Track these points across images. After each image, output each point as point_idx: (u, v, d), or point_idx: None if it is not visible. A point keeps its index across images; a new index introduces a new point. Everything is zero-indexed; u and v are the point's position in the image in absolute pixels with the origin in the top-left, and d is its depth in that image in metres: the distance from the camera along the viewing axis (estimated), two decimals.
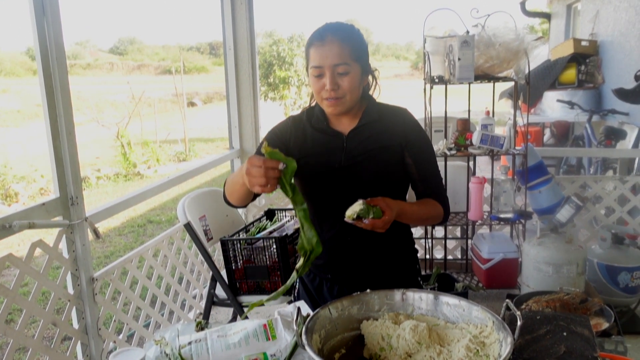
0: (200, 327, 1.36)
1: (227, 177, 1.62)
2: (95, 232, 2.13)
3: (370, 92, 1.64)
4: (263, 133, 4.32)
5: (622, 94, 4.61)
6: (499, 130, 3.34)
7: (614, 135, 4.79)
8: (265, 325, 1.24)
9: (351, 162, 1.55)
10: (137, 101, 10.96)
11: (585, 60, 6.11)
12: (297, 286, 1.77)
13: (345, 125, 1.59)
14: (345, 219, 1.32)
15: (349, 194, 1.41)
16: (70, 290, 2.11)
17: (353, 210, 1.31)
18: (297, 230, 2.43)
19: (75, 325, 2.16)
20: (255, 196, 1.57)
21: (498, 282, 3.18)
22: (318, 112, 1.60)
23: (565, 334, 1.11)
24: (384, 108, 1.62)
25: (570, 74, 6.08)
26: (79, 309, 2.14)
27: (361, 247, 1.58)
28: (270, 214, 2.76)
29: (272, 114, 12.91)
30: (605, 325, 1.79)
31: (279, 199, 3.87)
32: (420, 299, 1.22)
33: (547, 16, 9.80)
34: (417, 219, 1.55)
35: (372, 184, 1.53)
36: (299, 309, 1.21)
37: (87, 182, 8.47)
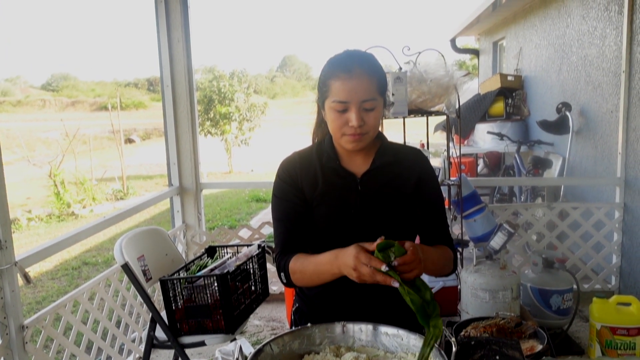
0: None
1: (294, 263, 1.46)
2: (26, 277, 2.04)
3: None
4: (203, 169, 4.30)
5: (545, 125, 4.89)
6: (435, 162, 3.46)
7: (540, 165, 5.04)
8: None
9: (366, 207, 1.48)
10: (71, 138, 10.60)
11: (512, 94, 6.44)
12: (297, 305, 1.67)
13: (358, 165, 1.52)
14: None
15: (362, 238, 1.31)
16: None
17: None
18: (239, 267, 2.40)
19: None
20: None
21: (439, 310, 3.24)
22: (328, 149, 1.52)
23: (497, 357, 1.16)
24: (398, 149, 1.57)
25: (499, 107, 6.40)
26: None
27: (372, 292, 1.46)
28: (211, 251, 2.72)
29: (213, 149, 12.85)
30: (539, 347, 1.86)
31: (220, 235, 3.82)
32: (360, 331, 1.24)
33: (475, 52, 10.35)
34: (435, 262, 1.45)
35: (387, 228, 1.46)
36: (240, 347, 1.20)
37: (17, 224, 8.06)
